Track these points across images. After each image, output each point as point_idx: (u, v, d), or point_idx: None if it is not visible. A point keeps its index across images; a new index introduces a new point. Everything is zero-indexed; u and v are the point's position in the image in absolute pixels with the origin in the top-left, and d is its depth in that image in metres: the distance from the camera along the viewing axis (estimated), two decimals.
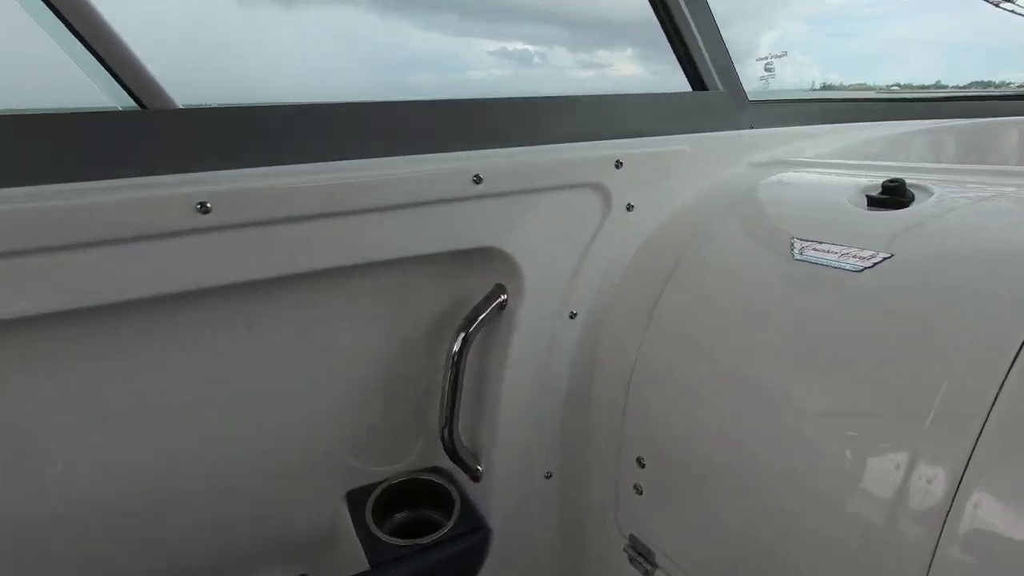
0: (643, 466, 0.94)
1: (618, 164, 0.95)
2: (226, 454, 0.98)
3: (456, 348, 0.96)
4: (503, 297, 0.99)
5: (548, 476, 1.09)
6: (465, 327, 0.97)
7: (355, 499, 1.13)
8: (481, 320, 0.97)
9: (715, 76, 1.10)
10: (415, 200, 0.82)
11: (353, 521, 1.08)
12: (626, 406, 0.97)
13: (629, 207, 0.99)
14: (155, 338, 0.83)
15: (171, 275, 0.71)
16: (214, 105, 0.73)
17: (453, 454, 1.04)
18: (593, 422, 1.03)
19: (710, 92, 1.12)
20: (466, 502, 1.12)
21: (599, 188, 0.95)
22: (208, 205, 0.68)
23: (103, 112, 0.69)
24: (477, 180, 0.84)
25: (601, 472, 1.03)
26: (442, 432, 1.02)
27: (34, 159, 0.64)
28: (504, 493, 1.07)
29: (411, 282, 1.02)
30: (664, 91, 1.06)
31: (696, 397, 0.86)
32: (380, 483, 1.15)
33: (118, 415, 0.86)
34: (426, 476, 1.17)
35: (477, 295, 1.03)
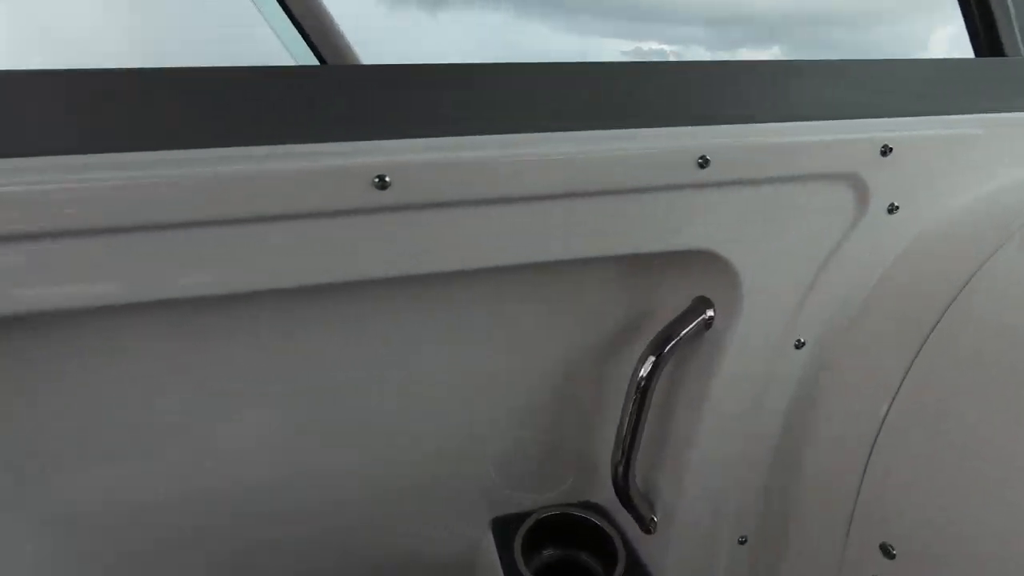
0: (891, 556, 0.70)
1: (885, 150, 0.71)
2: (367, 462, 0.88)
3: (645, 372, 0.78)
4: (709, 314, 0.79)
5: (742, 541, 0.87)
6: (658, 347, 0.78)
7: (501, 528, 0.99)
8: (680, 340, 0.78)
9: (1019, 38, 0.82)
10: (623, 185, 0.65)
11: (500, 555, 0.95)
12: (865, 473, 0.73)
13: (892, 208, 0.74)
14: (304, 328, 0.74)
15: (336, 261, 0.60)
16: (402, 63, 0.61)
17: (625, 497, 0.86)
18: (812, 485, 0.80)
19: (1010, 60, 0.83)
20: (632, 554, 0.94)
21: (855, 181, 0.72)
22: (387, 179, 0.56)
23: (275, 68, 0.60)
24: (703, 163, 0.65)
25: (817, 551, 0.80)
26: (615, 469, 0.84)
27: (196, 120, 0.55)
28: (683, 552, 0.87)
29: (587, 285, 0.85)
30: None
31: (996, 478, 0.61)
32: (529, 513, 1.00)
33: (257, 406, 0.78)
34: (581, 512, 1.01)
35: (667, 307, 0.84)
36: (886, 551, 0.70)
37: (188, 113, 0.55)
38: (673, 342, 0.78)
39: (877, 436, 0.73)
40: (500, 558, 0.95)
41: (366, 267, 0.61)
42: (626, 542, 0.95)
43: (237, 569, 0.90)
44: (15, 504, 0.74)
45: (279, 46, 0.62)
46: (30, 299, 0.53)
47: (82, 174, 0.50)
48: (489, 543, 0.98)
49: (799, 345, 0.79)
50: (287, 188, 0.55)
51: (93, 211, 0.51)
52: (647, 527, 0.90)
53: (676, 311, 0.82)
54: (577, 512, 1.01)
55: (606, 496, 1.03)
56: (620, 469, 0.84)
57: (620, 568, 0.91)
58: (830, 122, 0.72)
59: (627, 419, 0.81)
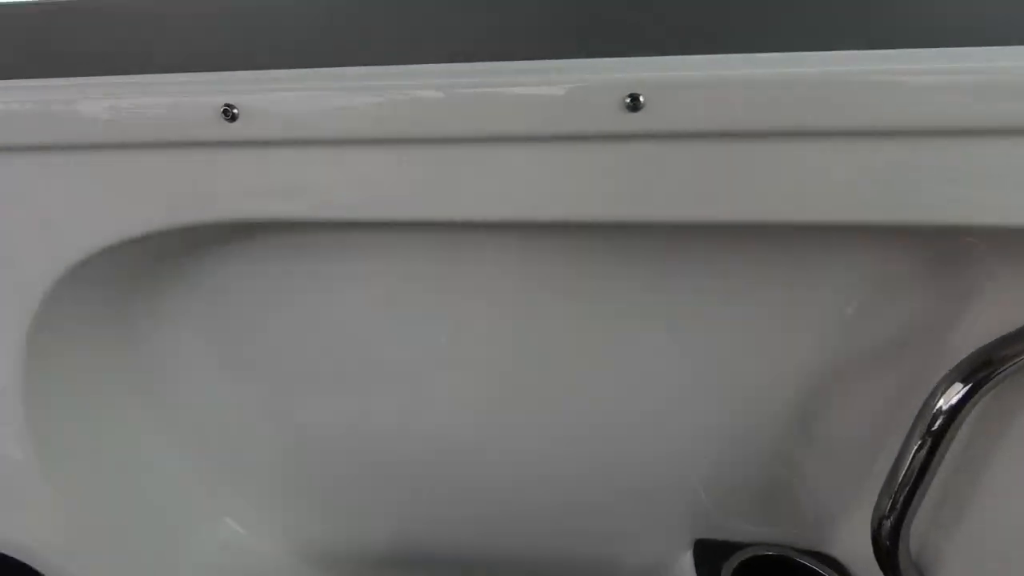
0: None
1: None
2: (569, 440, 0.80)
3: (948, 403, 0.57)
4: None
5: None
6: (974, 371, 0.56)
7: (704, 553, 0.84)
8: (1013, 368, 0.55)
9: None
10: (969, 124, 0.46)
11: None
12: None
13: None
14: (531, 272, 0.68)
15: (575, 195, 0.52)
16: None
17: (890, 562, 0.65)
18: None
19: None
20: None
21: None
22: (641, 99, 0.47)
23: None
24: None
25: None
26: (879, 522, 0.64)
27: (434, 35, 0.51)
28: None
29: (867, 266, 0.65)
30: None
31: None
32: (742, 545, 0.84)
33: (472, 357, 0.75)
34: (810, 562, 0.81)
35: (989, 314, 0.61)
36: None
37: (424, 28, 0.51)
38: (1003, 369, 0.55)
39: None
40: None
41: (608, 205, 0.52)
42: None
43: (427, 517, 0.90)
44: (264, 415, 0.81)
45: None
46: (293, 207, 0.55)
47: (337, 84, 0.50)
48: (687, 566, 0.85)
49: None
50: (528, 107, 0.48)
51: (346, 123, 0.50)
52: None
53: (1005, 323, 0.58)
54: (805, 561, 0.82)
55: (847, 549, 0.81)
56: (888, 524, 0.63)
57: None
58: None
59: (910, 460, 0.60)
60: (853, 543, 0.78)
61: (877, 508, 0.64)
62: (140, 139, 0.54)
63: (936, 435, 0.58)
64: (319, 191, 0.54)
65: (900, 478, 0.61)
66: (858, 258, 0.64)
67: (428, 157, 0.51)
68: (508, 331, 0.72)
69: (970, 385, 0.56)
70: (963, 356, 0.58)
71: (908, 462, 0.60)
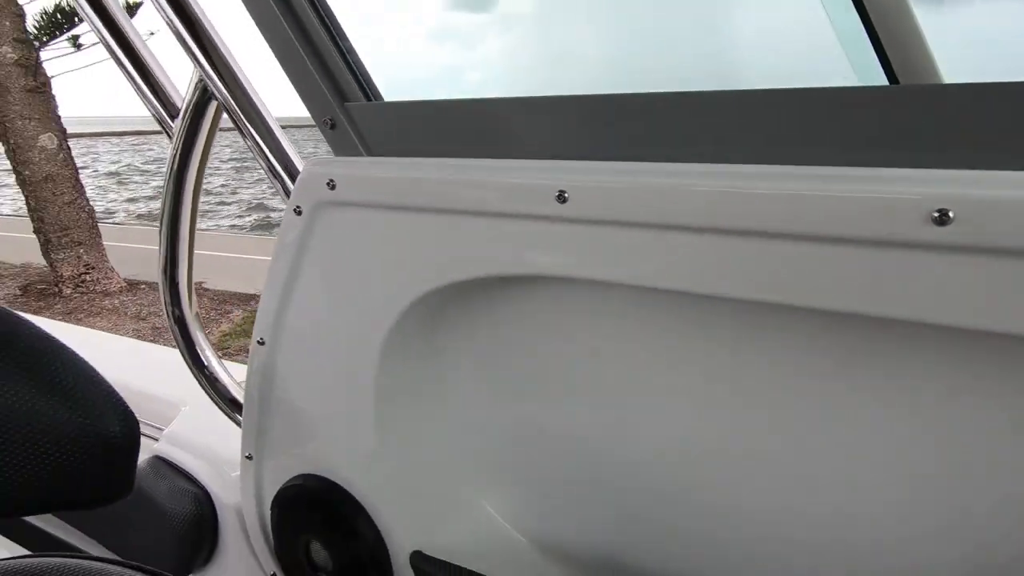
0: None
1: None
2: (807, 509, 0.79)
3: None
4: None
5: None
6: None
7: None
8: None
9: None
10: None
11: None
12: None
13: None
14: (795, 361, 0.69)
15: (857, 292, 0.54)
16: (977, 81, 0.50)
17: None
18: None
19: None
20: None
21: None
22: (950, 215, 0.48)
23: (835, 89, 0.57)
24: None
25: None
26: None
27: (739, 135, 0.58)
28: None
29: None
30: None
31: None
32: None
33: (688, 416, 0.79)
34: None
35: None
36: None
37: (725, 128, 0.59)
38: None
39: None
40: None
41: (894, 306, 0.54)
42: None
43: (642, 540, 0.95)
44: (519, 428, 0.96)
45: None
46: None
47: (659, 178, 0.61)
48: None
49: None
50: (828, 210, 0.53)
51: (652, 210, 0.61)
52: None
53: None
54: None
55: None
56: None
57: None
58: None
59: None
60: None
61: None
62: (497, 209, 0.71)
63: None
64: (622, 261, 0.65)
65: None
66: None
67: (713, 246, 0.58)
68: (756, 402, 0.75)
69: None
70: None
71: None
